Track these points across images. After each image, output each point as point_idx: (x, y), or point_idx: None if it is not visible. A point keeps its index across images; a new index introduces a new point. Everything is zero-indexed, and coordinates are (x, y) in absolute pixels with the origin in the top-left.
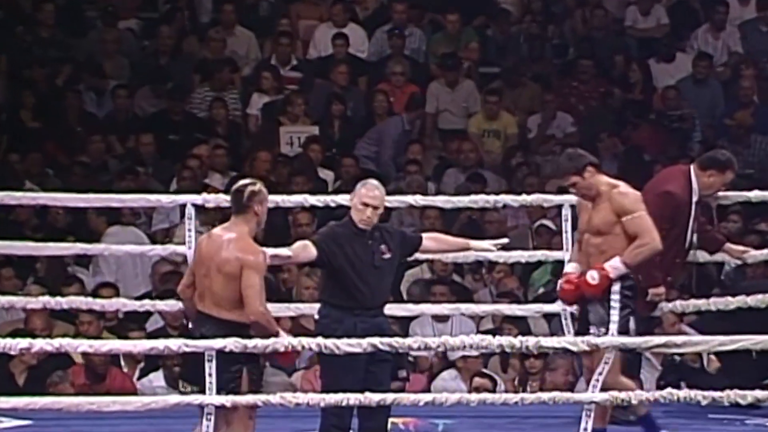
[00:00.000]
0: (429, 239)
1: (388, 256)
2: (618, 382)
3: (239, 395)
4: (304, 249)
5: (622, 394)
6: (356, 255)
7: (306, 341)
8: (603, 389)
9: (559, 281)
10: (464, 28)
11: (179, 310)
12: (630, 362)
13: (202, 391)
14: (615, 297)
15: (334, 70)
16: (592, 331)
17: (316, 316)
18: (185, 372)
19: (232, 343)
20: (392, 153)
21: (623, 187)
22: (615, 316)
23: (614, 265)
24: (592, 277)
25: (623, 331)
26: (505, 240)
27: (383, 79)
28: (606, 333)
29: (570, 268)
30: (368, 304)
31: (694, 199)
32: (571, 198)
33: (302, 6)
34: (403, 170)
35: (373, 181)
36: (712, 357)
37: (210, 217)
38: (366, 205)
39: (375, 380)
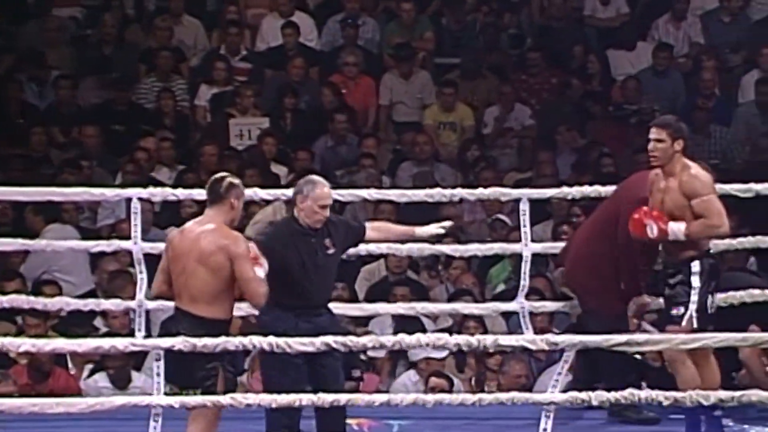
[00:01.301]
0: (373, 229)
1: (332, 251)
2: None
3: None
4: None
5: (582, 395)
6: (299, 254)
7: (258, 340)
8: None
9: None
10: (419, 17)
11: (125, 308)
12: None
13: (187, 391)
14: (695, 278)
15: (287, 62)
16: (672, 311)
17: (256, 312)
18: (167, 372)
19: (180, 343)
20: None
21: (695, 169)
22: (695, 296)
23: (676, 228)
24: (651, 230)
25: (702, 309)
26: (449, 222)
27: (336, 70)
28: (685, 313)
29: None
30: (311, 303)
31: None
32: (529, 191)
33: None
34: (357, 164)
35: (321, 179)
36: None
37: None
38: (323, 207)
39: (323, 379)
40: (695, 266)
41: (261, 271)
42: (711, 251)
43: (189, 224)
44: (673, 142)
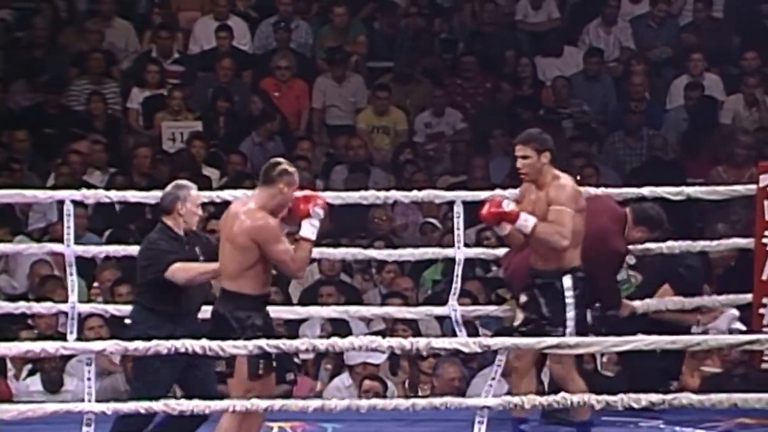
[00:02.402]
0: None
1: (202, 259)
2: (572, 378)
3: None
4: None
5: (516, 399)
6: (184, 258)
7: (191, 343)
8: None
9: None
10: (352, 21)
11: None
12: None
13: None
14: (569, 293)
15: (218, 64)
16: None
17: (127, 321)
18: None
19: (112, 346)
20: None
21: (564, 180)
22: (571, 313)
23: (528, 219)
24: (508, 204)
25: (582, 329)
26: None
27: (269, 73)
28: (564, 332)
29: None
30: (188, 309)
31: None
32: (463, 194)
33: None
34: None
35: (188, 182)
36: (611, 359)
37: None
38: (200, 205)
39: (199, 383)
40: (567, 281)
41: (311, 225)
42: (580, 268)
43: (236, 200)
44: (539, 155)
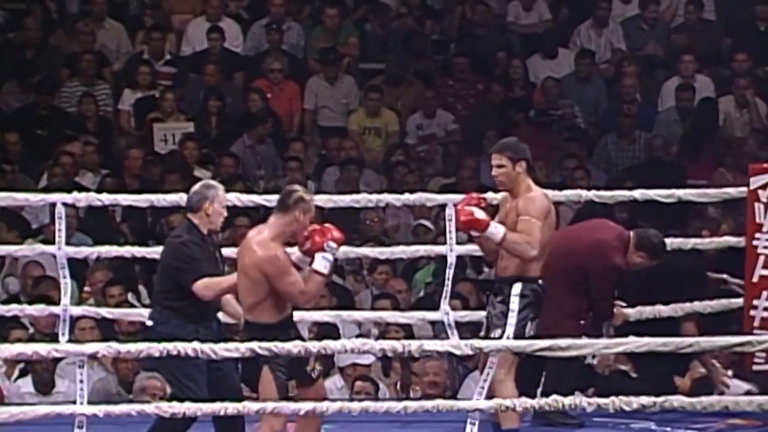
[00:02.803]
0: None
1: (221, 260)
2: (505, 384)
3: None
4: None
5: (507, 401)
6: (210, 263)
7: (183, 346)
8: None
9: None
10: (344, 23)
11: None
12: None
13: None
14: (515, 299)
15: (205, 67)
16: (492, 333)
17: (149, 322)
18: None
19: (104, 348)
20: None
21: (535, 192)
22: (512, 318)
23: (497, 228)
24: (479, 213)
25: (518, 335)
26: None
27: (260, 75)
28: (501, 335)
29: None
30: (210, 310)
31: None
32: (454, 197)
33: None
34: (283, 168)
35: (215, 182)
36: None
37: None
38: (226, 206)
39: (225, 384)
40: (516, 288)
41: (325, 259)
42: (538, 280)
43: (254, 229)
44: (514, 165)
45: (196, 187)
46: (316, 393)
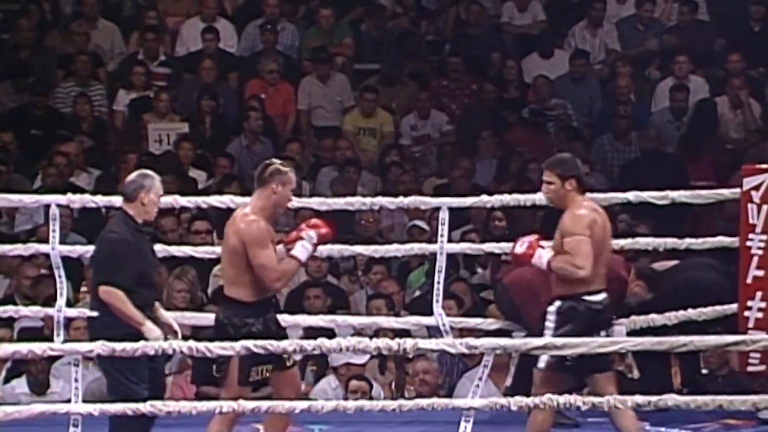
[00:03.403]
0: None
1: (153, 253)
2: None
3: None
4: None
5: (502, 400)
6: (145, 251)
7: (178, 344)
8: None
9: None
10: (338, 23)
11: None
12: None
13: None
14: (550, 317)
15: (202, 65)
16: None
17: (94, 313)
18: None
19: (99, 347)
20: None
21: (580, 209)
22: (547, 336)
23: (543, 255)
24: (521, 245)
25: (556, 356)
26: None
27: (255, 75)
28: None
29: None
30: (155, 297)
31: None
32: (449, 200)
33: (169, 0)
34: None
35: (152, 172)
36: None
37: None
38: (161, 196)
39: (158, 382)
40: (552, 306)
41: (303, 246)
42: (583, 296)
43: (239, 207)
44: (563, 182)
45: (132, 176)
46: (291, 380)
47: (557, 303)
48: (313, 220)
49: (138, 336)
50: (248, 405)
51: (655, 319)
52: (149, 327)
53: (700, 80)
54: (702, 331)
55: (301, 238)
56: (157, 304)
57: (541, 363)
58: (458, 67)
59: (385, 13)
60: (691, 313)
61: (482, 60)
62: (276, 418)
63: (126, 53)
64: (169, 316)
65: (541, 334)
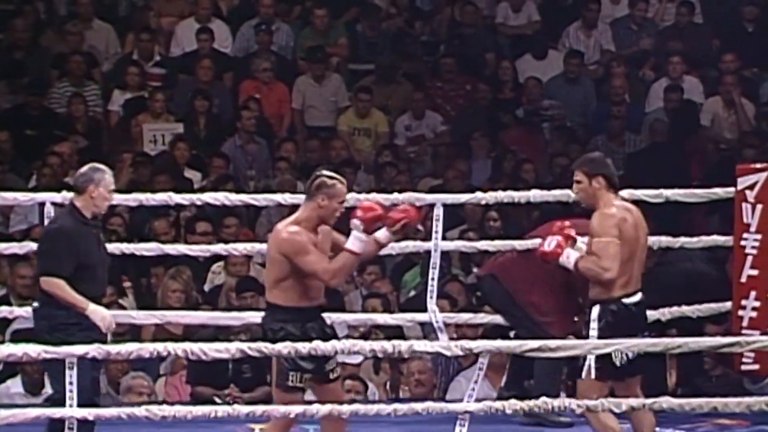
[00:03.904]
0: None
1: (105, 246)
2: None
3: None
4: None
5: (497, 404)
6: (89, 244)
7: (173, 347)
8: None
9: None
10: (333, 24)
11: None
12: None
13: None
14: (593, 325)
15: (198, 66)
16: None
17: (35, 304)
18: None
19: (95, 349)
20: None
21: (610, 209)
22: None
23: (569, 254)
24: (549, 244)
25: (604, 361)
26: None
27: (249, 75)
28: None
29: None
30: (100, 292)
31: None
32: (443, 197)
33: (164, 1)
34: (273, 167)
35: (104, 166)
36: None
37: None
38: (112, 191)
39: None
40: (594, 312)
41: (354, 237)
42: (622, 298)
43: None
44: (591, 180)
45: (84, 168)
46: (332, 394)
47: (597, 308)
48: (362, 204)
49: (76, 323)
50: (243, 410)
51: (649, 314)
52: (93, 309)
53: (694, 81)
54: (696, 328)
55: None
56: None
57: (588, 372)
58: (453, 67)
59: (380, 14)
60: (686, 309)
61: (477, 60)
62: (330, 425)
63: (121, 53)
64: None
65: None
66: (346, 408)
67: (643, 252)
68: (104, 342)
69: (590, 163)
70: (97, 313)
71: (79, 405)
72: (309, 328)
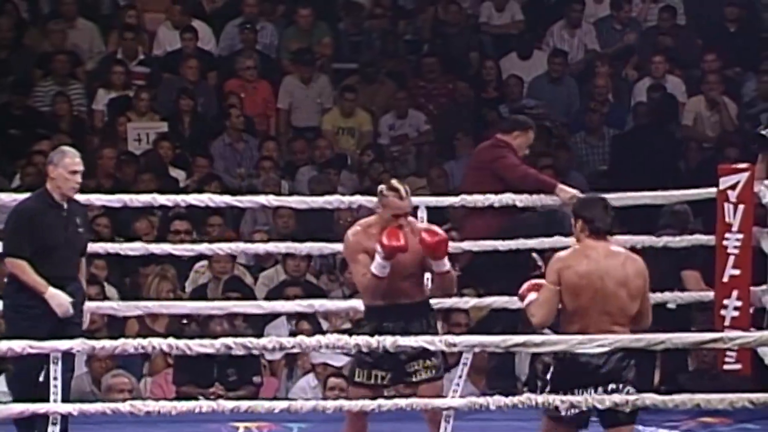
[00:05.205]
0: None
1: (81, 230)
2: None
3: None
4: None
5: (481, 400)
6: (51, 225)
7: (157, 342)
8: None
9: None
10: (317, 23)
11: None
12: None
13: None
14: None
15: (183, 65)
16: None
17: None
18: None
19: (79, 345)
20: None
21: (565, 252)
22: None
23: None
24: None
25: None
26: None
27: (234, 74)
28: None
29: None
30: (59, 273)
31: None
32: (427, 199)
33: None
34: (257, 167)
35: (70, 148)
36: None
37: None
38: (74, 173)
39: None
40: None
41: (376, 261)
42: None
43: None
44: (574, 221)
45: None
46: (428, 395)
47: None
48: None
49: (35, 305)
50: (227, 405)
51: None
52: (51, 293)
53: (677, 80)
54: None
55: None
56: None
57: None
58: (436, 66)
59: (363, 13)
60: (668, 296)
61: (460, 60)
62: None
63: (105, 52)
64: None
65: None
66: (330, 404)
67: (615, 302)
68: (57, 330)
69: (576, 204)
70: (55, 298)
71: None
72: (381, 327)
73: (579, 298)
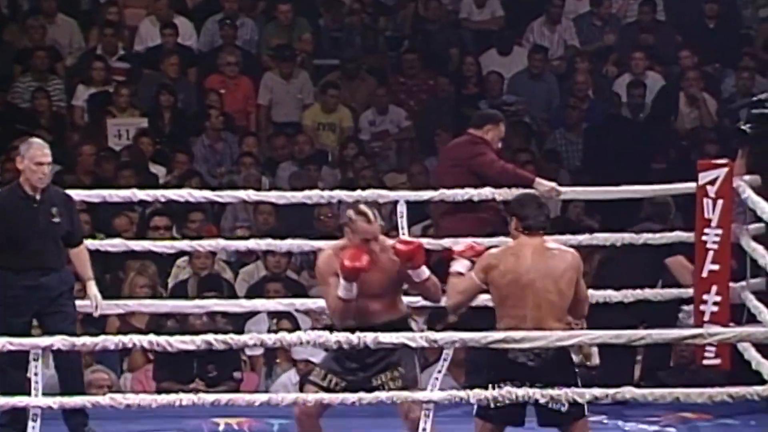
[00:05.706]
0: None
1: (57, 219)
2: None
3: None
4: None
5: (461, 393)
6: (21, 218)
7: (138, 338)
8: None
9: None
10: (297, 19)
11: None
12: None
13: None
14: None
15: (164, 61)
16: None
17: None
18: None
19: (59, 341)
20: None
21: (496, 250)
22: None
23: (454, 265)
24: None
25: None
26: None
27: (214, 70)
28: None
29: None
30: (33, 264)
31: None
32: (406, 194)
33: None
34: (237, 163)
35: (39, 141)
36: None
37: None
38: (39, 164)
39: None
40: None
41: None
42: None
43: None
44: (510, 217)
45: None
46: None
47: None
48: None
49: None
50: (208, 398)
51: (612, 295)
52: None
53: (657, 76)
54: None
55: None
56: (91, 283)
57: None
58: (416, 62)
59: (343, 9)
60: (648, 293)
61: (441, 56)
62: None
63: (84, 48)
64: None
65: None
66: (310, 397)
67: (546, 297)
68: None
69: (512, 202)
70: None
71: None
72: (356, 347)
73: (506, 295)
